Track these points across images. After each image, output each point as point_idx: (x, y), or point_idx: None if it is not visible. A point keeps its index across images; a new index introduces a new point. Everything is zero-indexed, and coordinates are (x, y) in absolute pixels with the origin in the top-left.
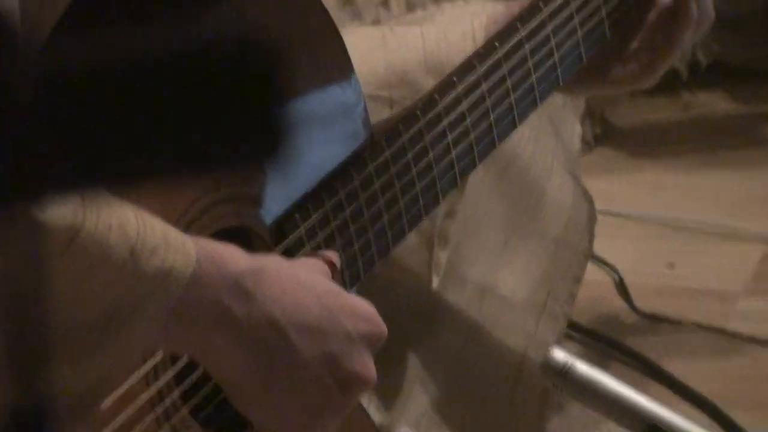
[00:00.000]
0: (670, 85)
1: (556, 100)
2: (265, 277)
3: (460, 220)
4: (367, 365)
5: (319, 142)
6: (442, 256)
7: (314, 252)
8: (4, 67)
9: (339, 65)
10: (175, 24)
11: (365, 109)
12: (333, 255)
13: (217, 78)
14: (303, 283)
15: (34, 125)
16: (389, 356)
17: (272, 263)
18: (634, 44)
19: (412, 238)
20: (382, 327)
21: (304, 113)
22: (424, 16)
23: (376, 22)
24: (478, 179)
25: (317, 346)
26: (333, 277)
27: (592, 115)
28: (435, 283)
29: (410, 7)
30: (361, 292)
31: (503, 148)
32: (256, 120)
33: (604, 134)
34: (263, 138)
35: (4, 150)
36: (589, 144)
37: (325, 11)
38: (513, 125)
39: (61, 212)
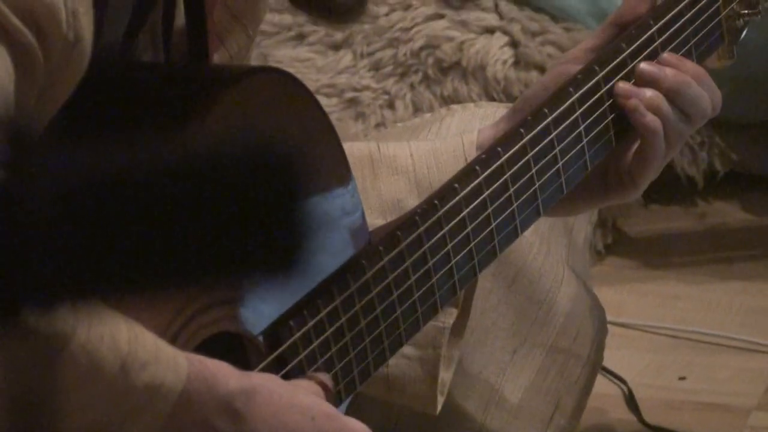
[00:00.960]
0: (685, 193)
1: None
2: (256, 397)
3: (466, 331)
4: None
5: (318, 246)
6: (446, 376)
7: (307, 375)
8: (13, 179)
9: (339, 171)
10: (163, 134)
11: (363, 216)
12: (325, 377)
13: (216, 188)
14: (296, 405)
15: (29, 233)
16: None
17: (266, 383)
18: (622, 155)
19: (416, 369)
20: None
21: (308, 221)
22: (433, 119)
23: (381, 124)
24: (487, 289)
25: None
26: (326, 399)
27: (604, 224)
28: (440, 404)
29: (417, 108)
30: (360, 412)
31: (512, 257)
32: (263, 230)
33: (615, 243)
34: (270, 250)
35: None
36: (601, 253)
37: (324, 116)
38: (515, 234)
39: (52, 320)
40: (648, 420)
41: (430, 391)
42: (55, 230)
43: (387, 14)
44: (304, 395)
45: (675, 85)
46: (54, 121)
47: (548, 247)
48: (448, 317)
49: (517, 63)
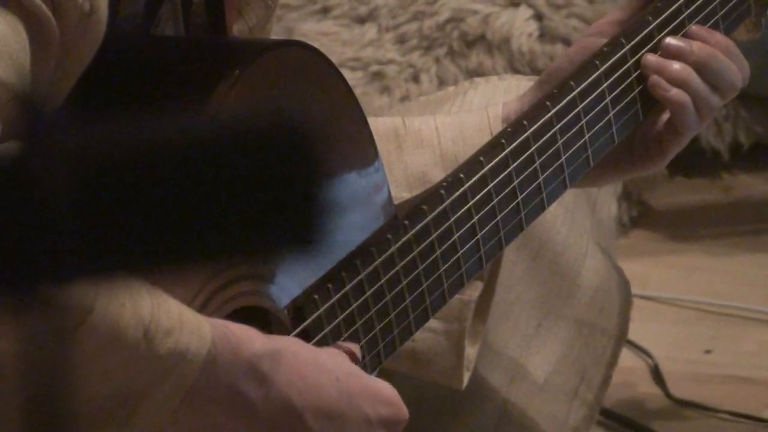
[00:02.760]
0: (710, 166)
1: None
2: (282, 359)
3: (491, 304)
4: None
5: (344, 222)
6: (471, 351)
7: (335, 344)
8: (33, 151)
9: (366, 148)
10: (188, 107)
11: (389, 191)
12: (354, 346)
13: (239, 163)
14: (322, 366)
15: (48, 207)
16: None
17: (290, 345)
18: (652, 126)
19: (441, 342)
20: (403, 411)
21: (331, 197)
22: (456, 92)
23: (405, 97)
24: (511, 262)
25: (334, 431)
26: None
27: (629, 197)
28: (466, 379)
29: (441, 82)
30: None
31: (536, 230)
32: (285, 205)
33: (641, 216)
34: (291, 225)
35: (17, 233)
36: (626, 226)
37: (350, 91)
38: (542, 207)
39: (72, 292)
40: (674, 393)
41: (456, 366)
42: (76, 204)
43: None
44: (329, 357)
45: (702, 58)
46: (77, 94)
47: (572, 220)
48: (473, 290)
49: (542, 36)
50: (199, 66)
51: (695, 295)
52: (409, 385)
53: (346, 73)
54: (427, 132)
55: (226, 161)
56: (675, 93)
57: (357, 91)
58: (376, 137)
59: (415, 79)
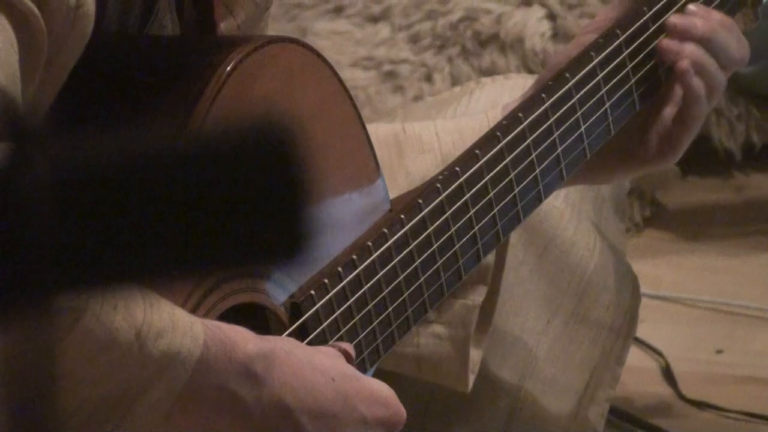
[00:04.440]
0: (723, 165)
1: None
2: (275, 360)
3: (499, 302)
4: None
5: (340, 230)
6: (476, 355)
7: (329, 344)
8: (21, 163)
9: (367, 165)
10: (181, 111)
11: (389, 203)
12: (348, 346)
13: (230, 170)
14: (316, 367)
15: (40, 216)
16: None
17: (284, 346)
18: (663, 120)
19: (446, 348)
20: (401, 411)
21: (329, 214)
22: (462, 91)
23: (419, 97)
24: (518, 259)
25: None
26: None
27: (641, 196)
28: (471, 382)
29: (455, 81)
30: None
31: (543, 227)
32: (278, 217)
33: (653, 216)
34: (285, 237)
35: (10, 238)
36: (638, 226)
37: (352, 107)
38: (539, 199)
39: (65, 297)
40: (685, 393)
41: (461, 370)
42: (68, 211)
43: None
44: (324, 357)
45: (706, 32)
46: (66, 93)
47: (579, 217)
48: (477, 296)
49: (555, 35)
50: (188, 65)
51: (707, 295)
52: (419, 386)
53: (359, 72)
54: (428, 137)
55: (213, 168)
56: (697, 82)
57: (370, 90)
58: (376, 144)
59: (428, 78)
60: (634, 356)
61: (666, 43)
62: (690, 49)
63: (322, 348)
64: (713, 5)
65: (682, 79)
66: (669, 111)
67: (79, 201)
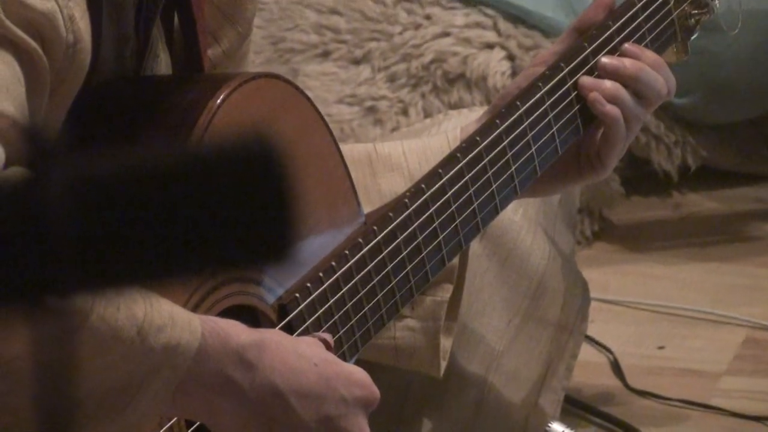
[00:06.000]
0: (662, 186)
1: (552, 199)
2: (266, 348)
3: (465, 305)
4: (361, 426)
5: (321, 240)
6: (446, 343)
7: (311, 334)
8: (38, 175)
9: (343, 183)
10: (177, 136)
11: (363, 213)
12: (326, 335)
13: (223, 183)
14: (301, 354)
15: (52, 226)
16: (405, 419)
17: (273, 336)
18: (590, 140)
19: (419, 339)
20: (375, 391)
21: (311, 226)
22: (432, 122)
23: (395, 128)
24: (483, 267)
25: (315, 410)
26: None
27: (591, 213)
28: (443, 368)
29: (427, 114)
30: (374, 380)
31: (504, 239)
32: (268, 226)
33: (601, 230)
34: (275, 243)
35: (26, 249)
36: (589, 239)
37: (330, 134)
38: (496, 211)
39: (72, 300)
40: (631, 384)
41: (433, 357)
42: (77, 222)
43: (401, 33)
44: (307, 345)
45: (633, 72)
46: (69, 129)
47: (536, 230)
48: (445, 292)
49: (513, 73)
50: (182, 100)
51: (650, 299)
52: (396, 377)
53: (344, 108)
54: (396, 156)
55: (209, 181)
56: (609, 108)
57: (353, 124)
58: (351, 163)
59: (404, 112)
60: (586, 352)
61: (583, 79)
62: (606, 85)
63: (305, 338)
64: (644, 43)
65: (593, 107)
66: (594, 133)
67: (88, 218)
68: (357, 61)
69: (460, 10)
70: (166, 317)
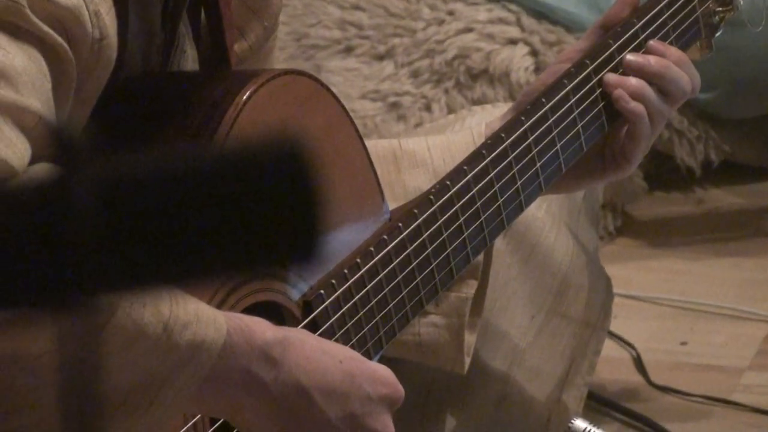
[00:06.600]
0: (684, 181)
1: (575, 195)
2: (290, 346)
3: (489, 301)
4: (386, 424)
5: (346, 237)
6: (470, 340)
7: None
8: (64, 173)
9: (368, 179)
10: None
11: (388, 210)
12: None
13: (250, 183)
14: (326, 351)
15: (80, 226)
16: (428, 415)
17: (297, 334)
18: (615, 136)
19: (444, 335)
20: (399, 389)
21: (337, 223)
22: (456, 118)
23: (419, 124)
24: (507, 264)
25: (340, 407)
26: None
27: (614, 209)
28: (467, 364)
29: (450, 110)
30: (398, 377)
31: (527, 236)
32: (295, 224)
33: (624, 226)
34: (299, 245)
35: (53, 249)
36: (611, 235)
37: (355, 130)
38: (521, 208)
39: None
40: (654, 380)
41: (457, 354)
42: (104, 220)
43: (424, 29)
44: (331, 343)
45: (658, 69)
46: (96, 126)
47: (559, 226)
48: (469, 288)
49: (537, 69)
50: (209, 96)
51: (672, 295)
52: (419, 375)
53: (367, 104)
54: (420, 153)
55: (237, 180)
56: (634, 105)
57: (376, 119)
58: (376, 159)
59: (427, 108)
60: (609, 348)
61: (608, 76)
62: (631, 82)
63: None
64: (669, 40)
65: (617, 104)
66: (619, 129)
67: (114, 217)
68: (380, 57)
69: (483, 5)
70: (191, 314)
